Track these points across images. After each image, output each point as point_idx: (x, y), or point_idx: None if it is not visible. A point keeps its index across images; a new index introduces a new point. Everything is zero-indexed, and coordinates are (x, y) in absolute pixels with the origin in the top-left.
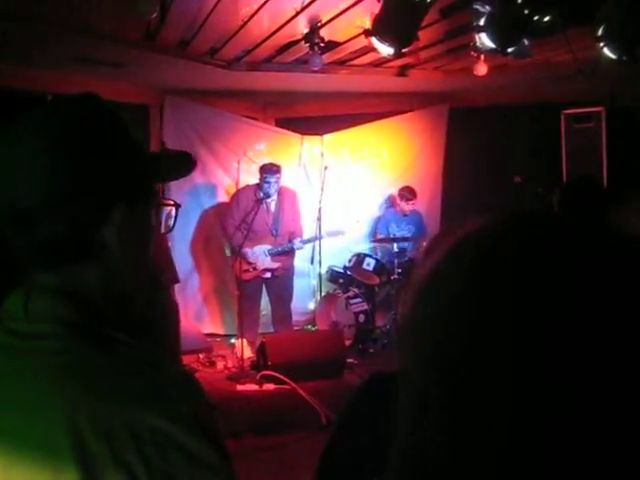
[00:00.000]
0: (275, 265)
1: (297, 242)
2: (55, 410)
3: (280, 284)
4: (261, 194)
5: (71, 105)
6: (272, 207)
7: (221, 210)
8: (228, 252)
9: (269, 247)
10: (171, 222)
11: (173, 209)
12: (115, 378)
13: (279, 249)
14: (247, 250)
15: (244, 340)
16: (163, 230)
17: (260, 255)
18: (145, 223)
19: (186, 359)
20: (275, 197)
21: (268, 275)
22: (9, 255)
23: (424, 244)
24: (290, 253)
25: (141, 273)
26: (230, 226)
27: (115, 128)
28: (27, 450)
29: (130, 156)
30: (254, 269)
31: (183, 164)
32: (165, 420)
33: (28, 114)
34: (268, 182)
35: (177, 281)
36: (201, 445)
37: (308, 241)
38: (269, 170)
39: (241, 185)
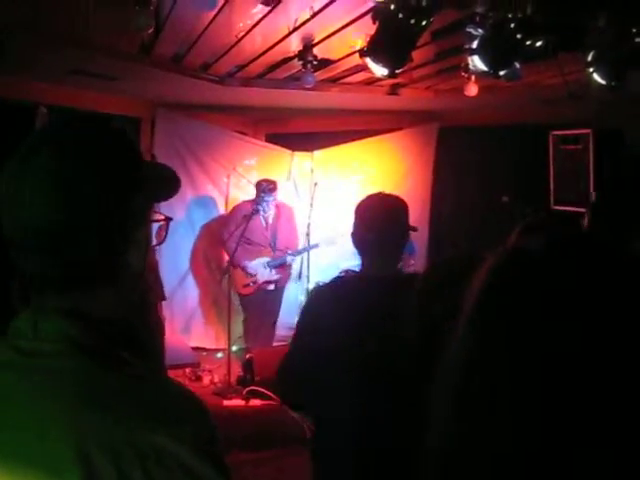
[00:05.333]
0: (277, 276)
1: (288, 255)
2: (61, 428)
3: (276, 298)
4: (258, 209)
5: (86, 125)
6: (270, 221)
7: (210, 224)
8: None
9: (268, 259)
10: (163, 234)
11: (163, 222)
12: (122, 398)
13: (278, 262)
14: (246, 263)
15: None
16: (155, 243)
17: (259, 268)
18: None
19: (172, 373)
20: (272, 212)
21: (272, 287)
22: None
23: (412, 262)
24: (288, 265)
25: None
26: (228, 240)
27: (131, 150)
28: (33, 468)
29: (142, 177)
30: (254, 283)
31: (171, 183)
32: (170, 440)
33: (41, 134)
34: (266, 201)
35: (163, 298)
36: (205, 465)
37: (298, 253)
38: (266, 189)
39: (230, 200)
